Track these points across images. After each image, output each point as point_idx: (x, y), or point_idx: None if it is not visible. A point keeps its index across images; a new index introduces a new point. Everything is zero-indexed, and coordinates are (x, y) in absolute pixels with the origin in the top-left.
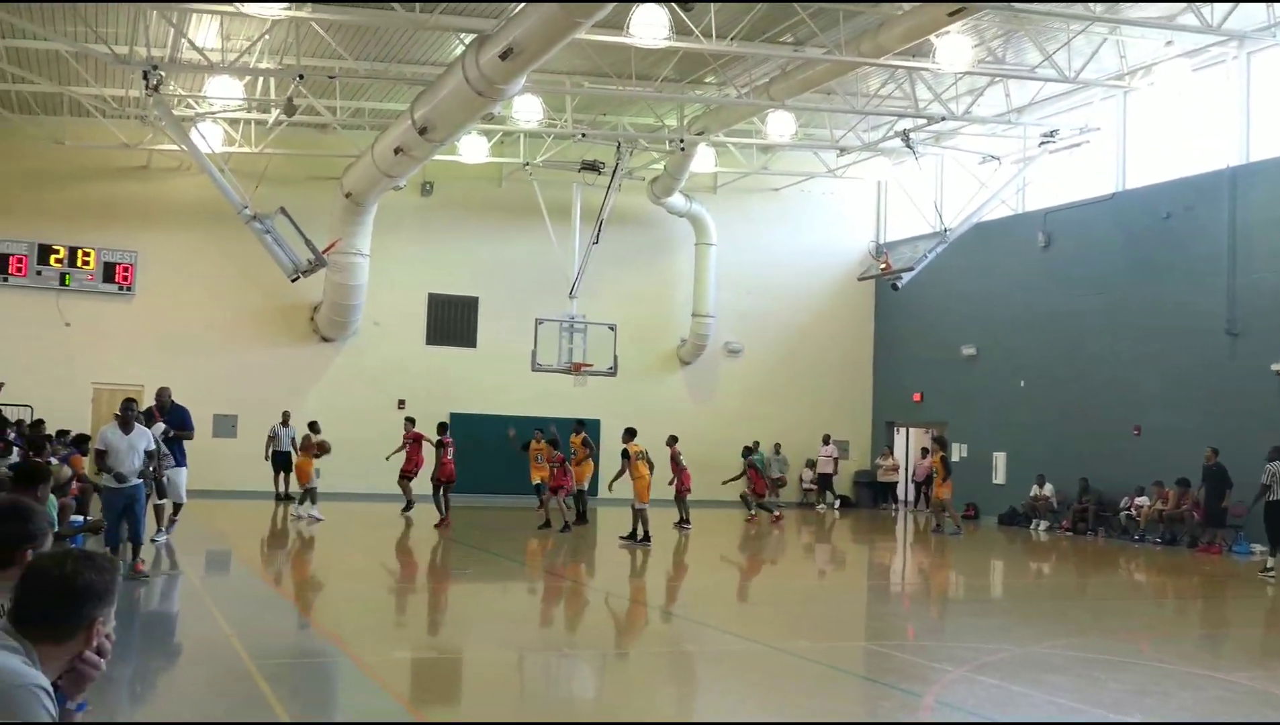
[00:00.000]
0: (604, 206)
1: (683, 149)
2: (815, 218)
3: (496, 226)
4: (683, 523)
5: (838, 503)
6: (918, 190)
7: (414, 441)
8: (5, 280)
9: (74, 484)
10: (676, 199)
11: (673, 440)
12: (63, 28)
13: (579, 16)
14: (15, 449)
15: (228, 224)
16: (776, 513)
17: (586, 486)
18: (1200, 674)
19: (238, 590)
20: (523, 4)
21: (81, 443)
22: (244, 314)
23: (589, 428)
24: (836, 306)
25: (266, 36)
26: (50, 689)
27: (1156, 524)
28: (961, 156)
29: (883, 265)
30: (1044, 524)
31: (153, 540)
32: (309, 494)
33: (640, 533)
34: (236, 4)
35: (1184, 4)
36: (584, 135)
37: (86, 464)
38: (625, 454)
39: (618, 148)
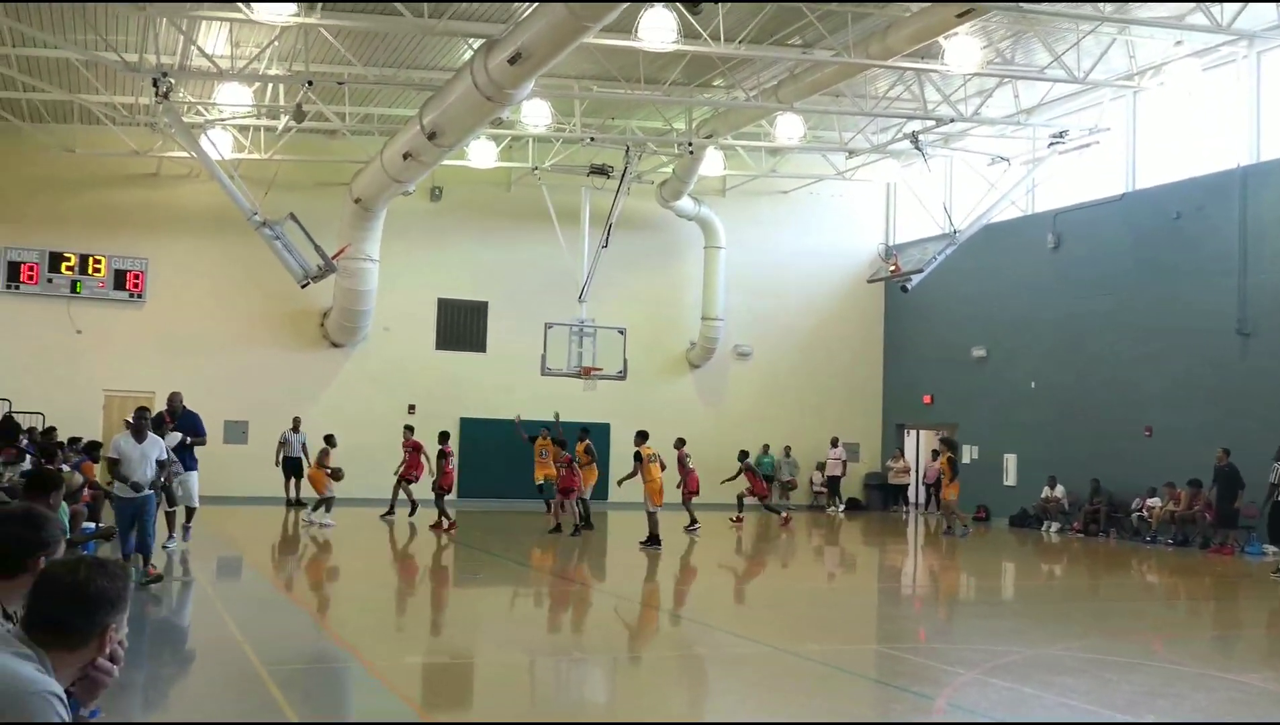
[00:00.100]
0: (613, 210)
1: (691, 152)
2: (824, 220)
3: (506, 231)
4: (692, 526)
5: (842, 506)
6: (927, 192)
7: (414, 450)
8: (17, 288)
9: (85, 491)
10: (685, 202)
11: (680, 443)
12: (73, 36)
13: (587, 20)
14: (28, 456)
15: (238, 230)
16: (784, 514)
17: (590, 493)
18: (1213, 675)
19: (249, 596)
20: (531, 8)
21: (93, 450)
22: (254, 320)
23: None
24: (846, 309)
25: (276, 43)
26: (63, 696)
27: (1168, 525)
28: (970, 158)
29: (892, 267)
30: (1055, 525)
31: (164, 547)
32: (326, 502)
33: (649, 535)
34: (246, 4)
35: (1193, 4)
36: (592, 139)
37: (98, 471)
38: (638, 456)
39: (626, 151)
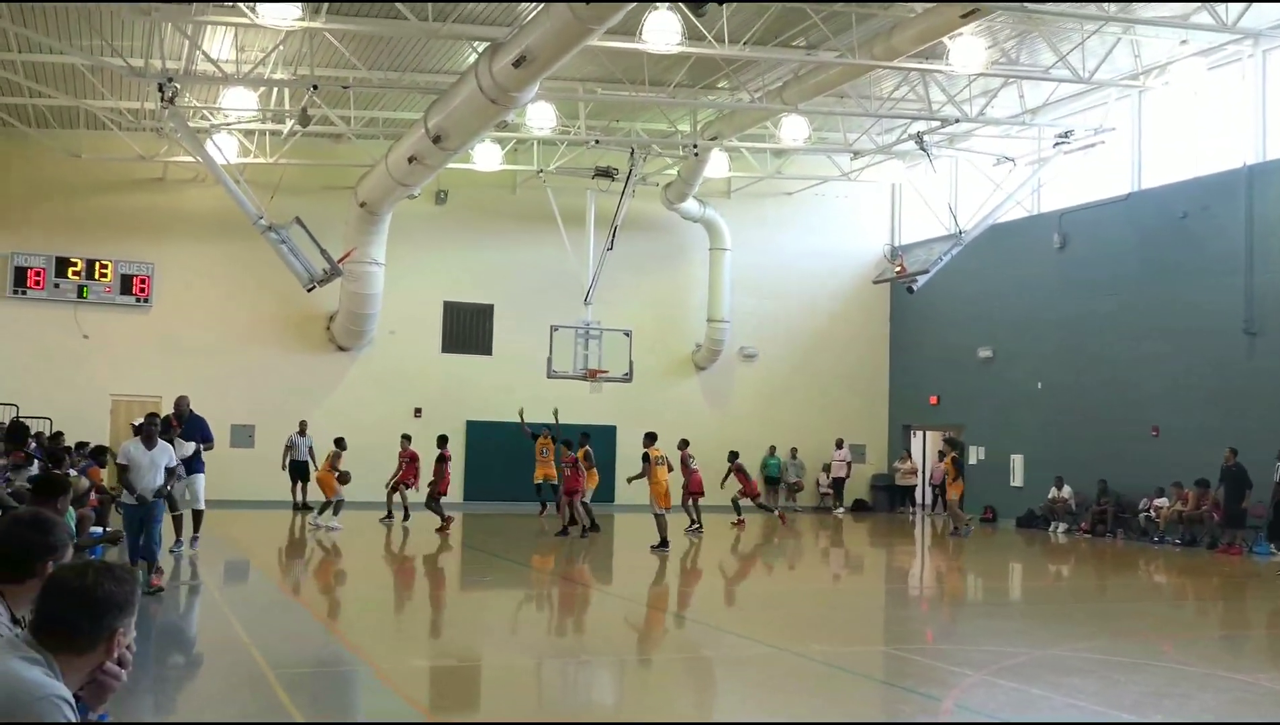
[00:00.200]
0: (618, 212)
1: (696, 154)
2: (829, 221)
3: (511, 234)
4: (692, 527)
5: (845, 507)
6: (932, 193)
7: (410, 460)
8: (24, 293)
9: (92, 495)
10: (690, 204)
11: (683, 444)
12: (79, 41)
13: (591, 23)
14: (35, 461)
15: (243, 234)
16: (778, 513)
17: (590, 497)
18: (1221, 675)
19: (256, 599)
20: (535, 10)
21: (100, 454)
22: (260, 324)
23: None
24: (851, 310)
25: (280, 47)
26: (72, 700)
27: (1176, 525)
28: (976, 158)
29: (897, 268)
30: (1062, 526)
31: (171, 551)
32: (336, 505)
33: (660, 538)
34: (250, 8)
35: (1198, 3)
36: (597, 142)
37: (105, 475)
38: (646, 457)
39: (631, 154)
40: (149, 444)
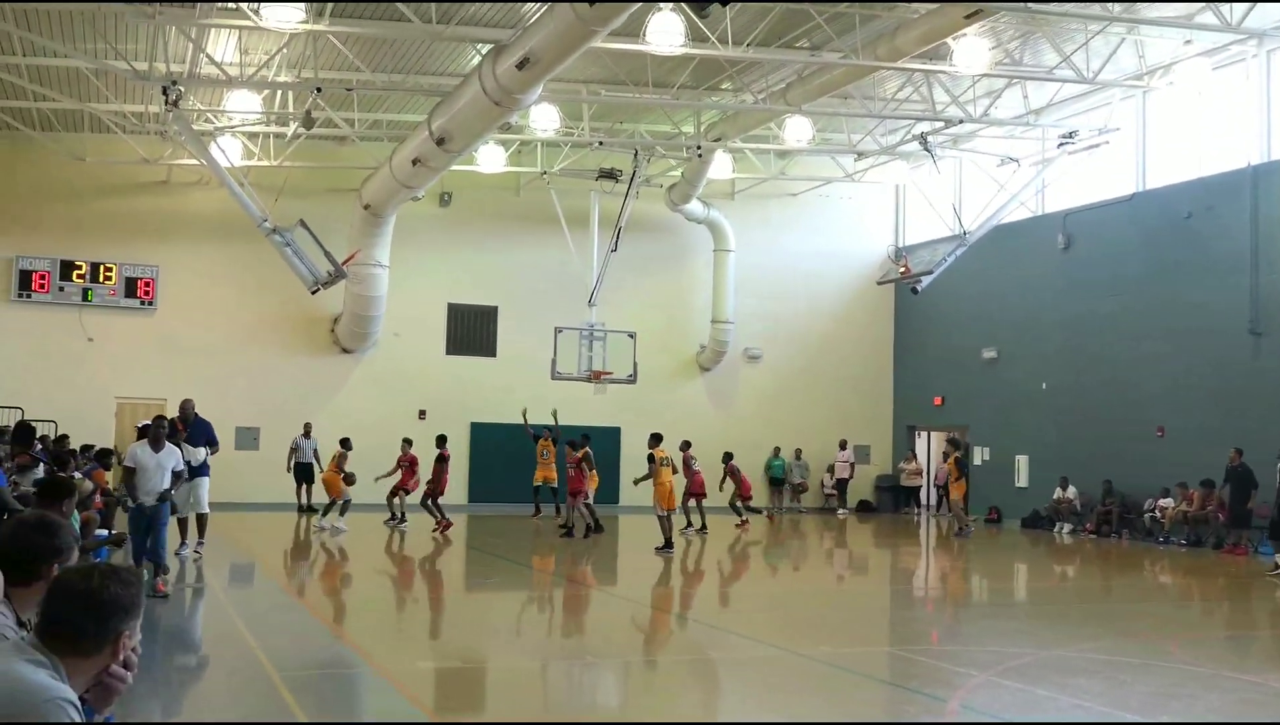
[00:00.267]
0: (622, 214)
1: (700, 155)
2: (833, 222)
3: (515, 236)
4: (688, 528)
5: (848, 508)
6: (936, 193)
7: (410, 464)
8: (29, 297)
9: (97, 498)
10: (694, 205)
11: (685, 445)
12: (83, 45)
13: (595, 25)
14: (40, 464)
15: (248, 237)
16: (767, 513)
17: (591, 498)
18: (1228, 676)
19: (261, 602)
20: (539, 12)
21: (104, 457)
22: (264, 326)
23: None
24: (856, 311)
25: (284, 50)
26: (78, 703)
27: (1181, 526)
28: (980, 159)
29: (902, 269)
30: (1067, 527)
31: (177, 553)
32: (343, 507)
33: (665, 539)
34: (254, 11)
35: (1203, 3)
36: (601, 143)
37: (110, 478)
38: (651, 458)
39: (635, 155)
40: (156, 447)
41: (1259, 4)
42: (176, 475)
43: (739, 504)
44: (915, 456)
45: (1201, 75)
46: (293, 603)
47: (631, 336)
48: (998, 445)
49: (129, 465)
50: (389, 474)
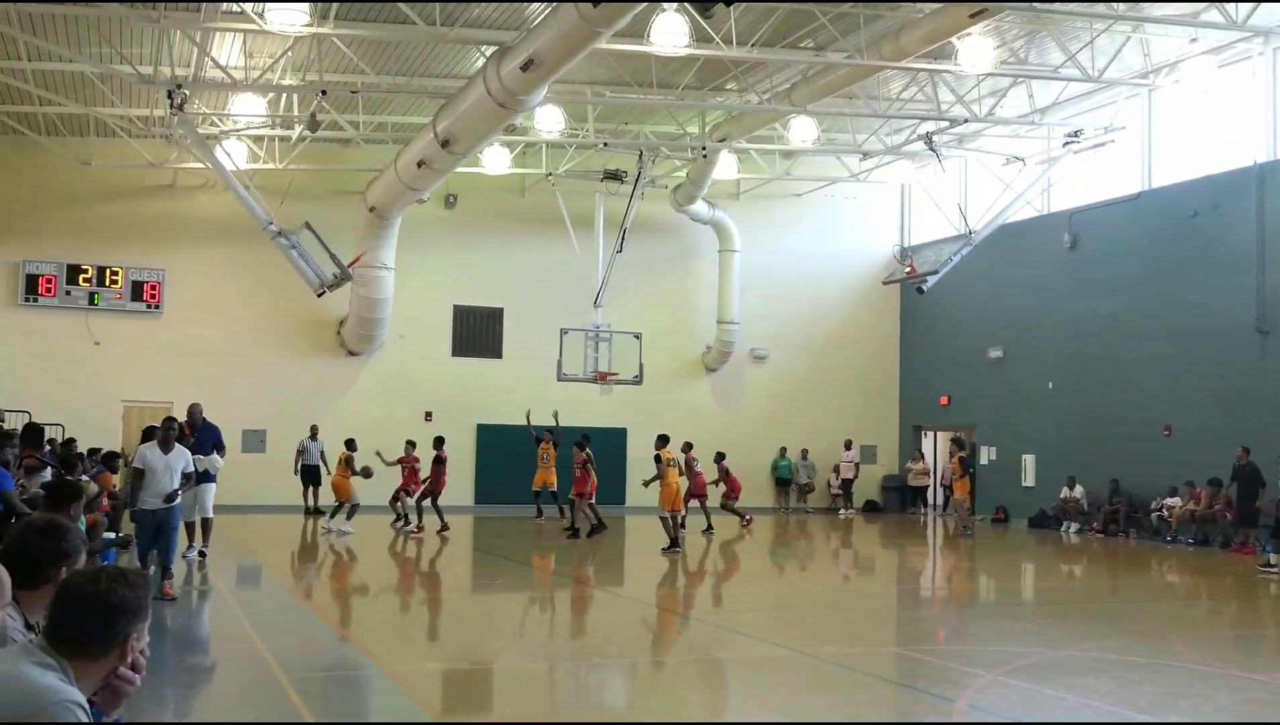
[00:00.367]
0: (627, 215)
1: (705, 156)
2: (839, 222)
3: (520, 237)
4: (704, 529)
5: (853, 509)
6: (942, 193)
7: (412, 466)
8: (35, 301)
9: (104, 501)
10: (699, 206)
11: (687, 447)
12: (88, 49)
13: (599, 26)
14: (48, 467)
15: (253, 240)
16: (746, 518)
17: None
18: (1236, 675)
19: (269, 604)
20: (543, 13)
21: (111, 460)
22: (271, 329)
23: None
24: (861, 311)
25: (289, 53)
26: (86, 705)
27: (1188, 525)
28: (985, 158)
29: (907, 269)
30: (1074, 526)
31: (184, 556)
32: (352, 509)
33: (670, 540)
34: (258, 13)
35: (1208, 1)
36: (606, 144)
37: (117, 481)
38: (658, 459)
39: (640, 156)
40: (165, 448)
41: (1265, 2)
42: (186, 477)
43: (731, 505)
44: (923, 456)
45: (1207, 73)
46: (300, 604)
47: (637, 337)
48: (1004, 445)
49: (138, 467)
50: (396, 462)
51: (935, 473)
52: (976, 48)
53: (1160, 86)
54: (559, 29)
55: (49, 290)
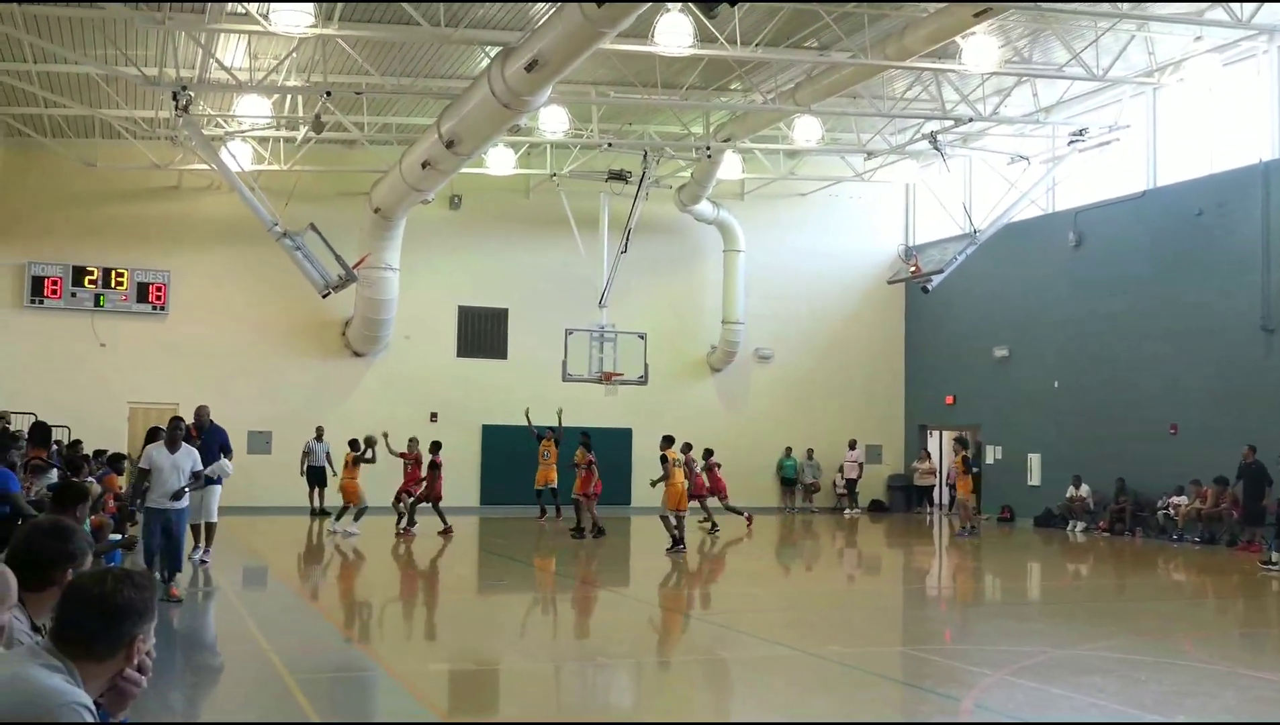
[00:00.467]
0: (631, 215)
1: (709, 156)
2: (843, 222)
3: (525, 238)
4: (709, 529)
5: (857, 508)
6: (946, 192)
7: (415, 462)
8: (41, 303)
9: (110, 502)
10: (704, 206)
11: (687, 448)
12: (93, 51)
13: (603, 26)
14: (54, 468)
15: (258, 241)
16: (712, 523)
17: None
18: (1243, 674)
19: (274, 606)
20: (547, 13)
21: (117, 462)
22: (276, 330)
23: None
24: (866, 310)
25: (294, 55)
26: (93, 707)
27: (1194, 523)
28: (990, 157)
29: (912, 268)
30: (1080, 525)
31: (189, 558)
32: (359, 512)
33: (673, 539)
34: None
35: (1212, 0)
36: (610, 145)
37: (123, 483)
38: (663, 459)
39: (644, 156)
40: (173, 448)
41: (1270, 1)
42: (196, 476)
43: (731, 504)
44: (929, 456)
45: (1212, 72)
46: (305, 606)
47: (642, 338)
48: (1009, 444)
49: (144, 467)
50: (399, 455)
51: (941, 472)
52: (981, 47)
53: (1165, 85)
54: (563, 29)
55: (54, 292)
